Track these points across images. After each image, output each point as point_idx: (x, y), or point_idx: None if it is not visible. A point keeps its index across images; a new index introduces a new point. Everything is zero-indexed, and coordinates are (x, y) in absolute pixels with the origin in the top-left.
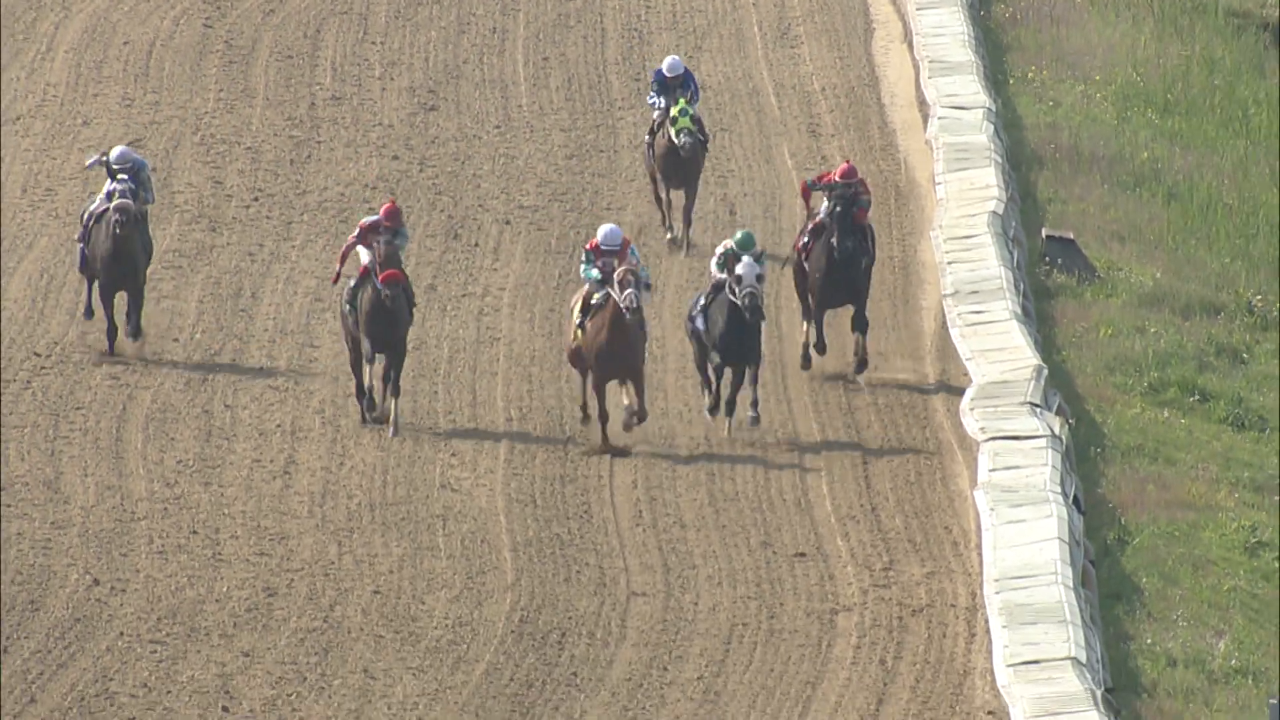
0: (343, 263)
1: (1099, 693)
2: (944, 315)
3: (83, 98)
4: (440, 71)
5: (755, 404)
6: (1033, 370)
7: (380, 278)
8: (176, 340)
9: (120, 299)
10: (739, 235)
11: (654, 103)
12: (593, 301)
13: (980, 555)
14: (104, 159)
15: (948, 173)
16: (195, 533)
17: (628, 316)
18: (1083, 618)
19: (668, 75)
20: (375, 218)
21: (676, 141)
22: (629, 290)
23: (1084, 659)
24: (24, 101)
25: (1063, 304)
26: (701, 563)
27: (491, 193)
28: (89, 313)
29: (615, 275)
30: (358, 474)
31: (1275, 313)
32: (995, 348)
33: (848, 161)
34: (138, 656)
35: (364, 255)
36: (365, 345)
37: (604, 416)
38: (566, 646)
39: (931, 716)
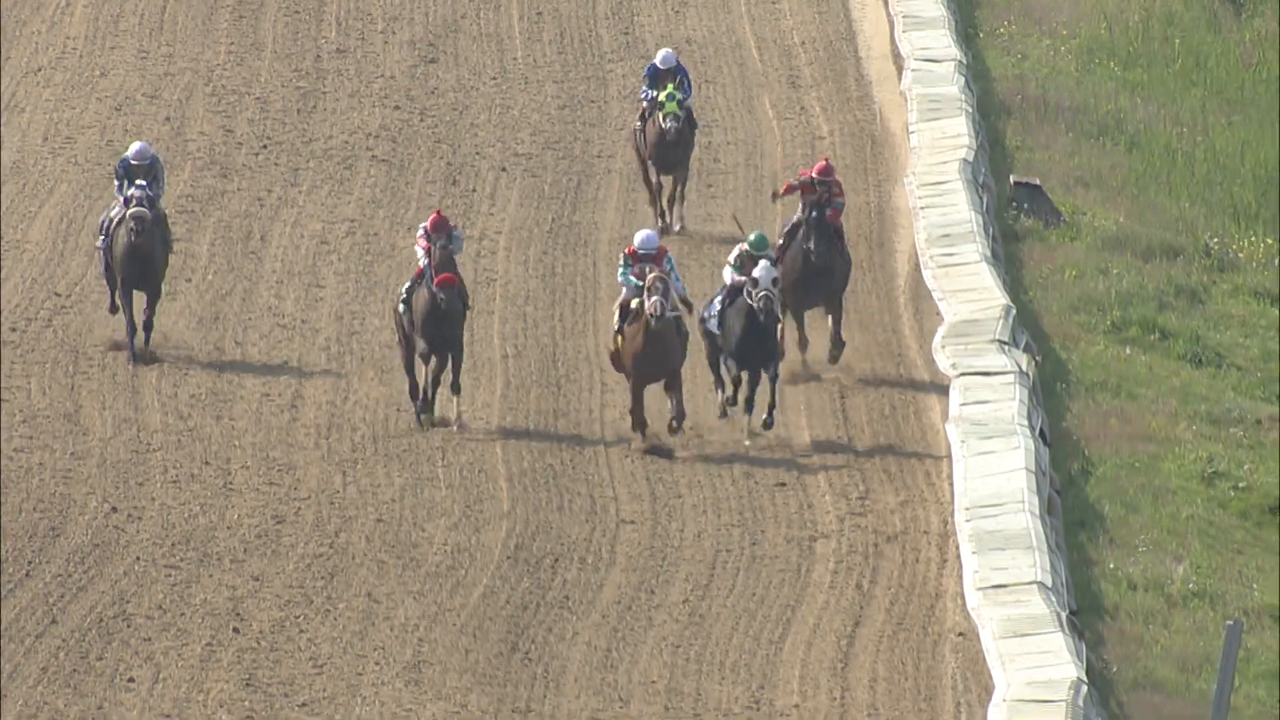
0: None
1: (1063, 615)
2: (917, 258)
3: (100, 50)
4: (439, 26)
5: (772, 408)
6: (1001, 310)
7: (435, 281)
8: (189, 281)
9: (139, 299)
10: (752, 237)
11: (645, 95)
12: (631, 307)
13: (951, 485)
14: (121, 163)
15: (921, 122)
16: (207, 463)
17: (653, 324)
18: (1048, 544)
19: (661, 68)
20: (423, 226)
21: (664, 126)
22: (655, 298)
23: (1049, 583)
24: (44, 54)
25: (1030, 247)
26: (687, 492)
27: (488, 141)
28: (114, 308)
29: (645, 282)
30: (361, 408)
31: (1231, 254)
32: (966, 288)
33: (825, 159)
34: (153, 580)
35: (420, 257)
36: (420, 346)
37: (643, 423)
38: (559, 571)
39: (905, 637)
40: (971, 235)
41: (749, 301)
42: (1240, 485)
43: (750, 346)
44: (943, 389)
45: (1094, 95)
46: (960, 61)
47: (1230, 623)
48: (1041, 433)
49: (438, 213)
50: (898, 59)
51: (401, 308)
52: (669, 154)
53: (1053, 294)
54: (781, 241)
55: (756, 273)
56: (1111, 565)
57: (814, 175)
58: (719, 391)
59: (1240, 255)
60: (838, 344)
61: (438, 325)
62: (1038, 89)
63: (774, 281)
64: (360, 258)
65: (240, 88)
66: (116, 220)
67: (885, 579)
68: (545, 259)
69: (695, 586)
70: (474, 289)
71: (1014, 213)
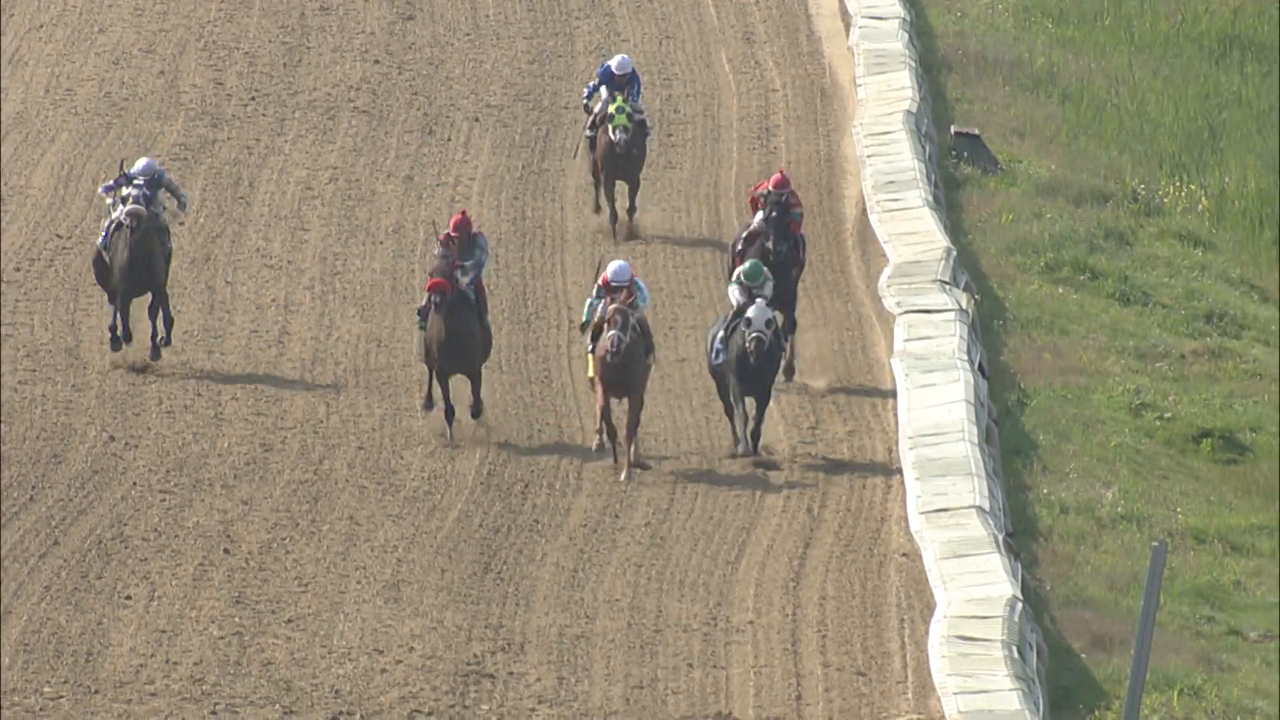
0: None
1: (1000, 537)
2: (864, 203)
3: (99, 8)
4: None
5: (756, 436)
6: (943, 251)
7: (427, 285)
8: (183, 224)
9: (142, 311)
10: (746, 266)
11: (589, 90)
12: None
13: (896, 415)
14: (121, 173)
15: (867, 76)
16: (200, 395)
17: (609, 360)
18: (986, 470)
19: (616, 73)
20: (446, 230)
21: (612, 138)
22: (612, 333)
23: (987, 507)
24: (46, 11)
25: (969, 193)
26: (649, 421)
27: (462, 93)
28: (114, 328)
29: (605, 314)
30: (344, 343)
31: (1157, 200)
32: (909, 231)
33: (781, 171)
34: (149, 505)
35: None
36: (434, 367)
37: (613, 434)
38: (529, 496)
39: (852, 558)
40: (915, 182)
41: (743, 340)
42: (1165, 415)
43: (745, 379)
44: (888, 326)
45: (1029, 51)
46: (904, 19)
47: (1155, 544)
48: (980, 366)
49: (462, 213)
50: (846, 16)
51: (419, 319)
52: (619, 164)
53: (990, 237)
54: (740, 248)
55: (750, 312)
56: (1045, 490)
57: (770, 188)
58: (732, 426)
59: (1165, 201)
60: (786, 333)
61: (451, 340)
62: (977, 45)
63: (767, 323)
64: (343, 202)
65: (230, 43)
66: (116, 223)
67: (834, 504)
68: (516, 204)
69: (656, 510)
70: None
71: (954, 161)
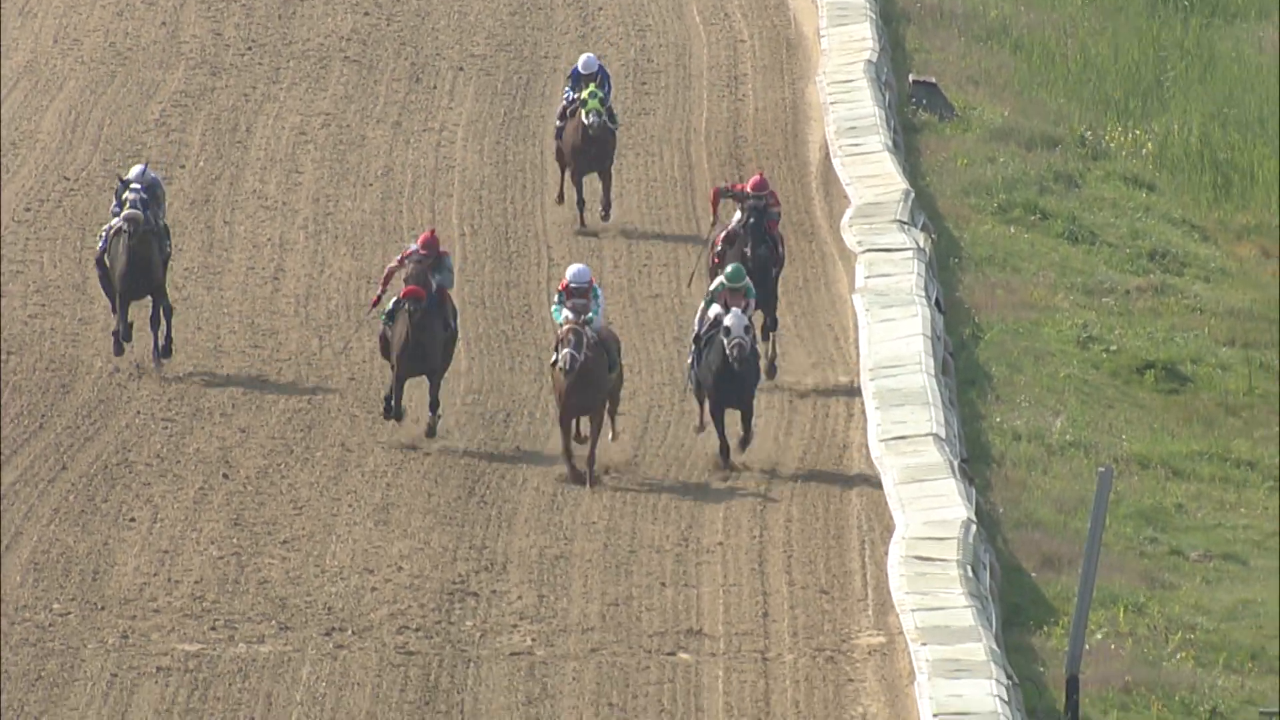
0: (384, 286)
1: (956, 463)
2: (827, 147)
3: None
4: None
5: (746, 441)
6: (901, 193)
7: (403, 293)
8: (183, 167)
9: (142, 321)
10: (729, 270)
11: (568, 96)
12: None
13: (857, 348)
14: (120, 182)
15: (830, 27)
16: (199, 329)
17: (562, 378)
18: (943, 400)
19: (583, 73)
20: (413, 246)
21: (586, 121)
22: (566, 350)
23: (944, 435)
24: None
25: (926, 138)
26: (625, 353)
27: (447, 43)
28: (118, 333)
29: (559, 333)
30: (336, 280)
31: (1103, 144)
32: (870, 174)
33: (760, 173)
34: (152, 432)
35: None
36: (392, 381)
37: (569, 453)
38: (511, 424)
39: (816, 483)
40: (875, 128)
41: (724, 348)
42: (1111, 348)
43: (726, 387)
44: (850, 263)
45: (983, 3)
46: None
47: (1102, 469)
48: (937, 302)
49: (430, 231)
50: None
51: (385, 326)
52: (590, 150)
53: (946, 179)
54: (719, 248)
55: (728, 320)
56: (998, 419)
57: (749, 189)
58: (703, 427)
59: (1111, 145)
60: (768, 332)
61: (415, 344)
62: None
63: (745, 329)
64: (334, 147)
65: None
66: (115, 229)
67: (799, 431)
68: (498, 148)
69: (632, 437)
70: (435, 174)
71: (913, 108)
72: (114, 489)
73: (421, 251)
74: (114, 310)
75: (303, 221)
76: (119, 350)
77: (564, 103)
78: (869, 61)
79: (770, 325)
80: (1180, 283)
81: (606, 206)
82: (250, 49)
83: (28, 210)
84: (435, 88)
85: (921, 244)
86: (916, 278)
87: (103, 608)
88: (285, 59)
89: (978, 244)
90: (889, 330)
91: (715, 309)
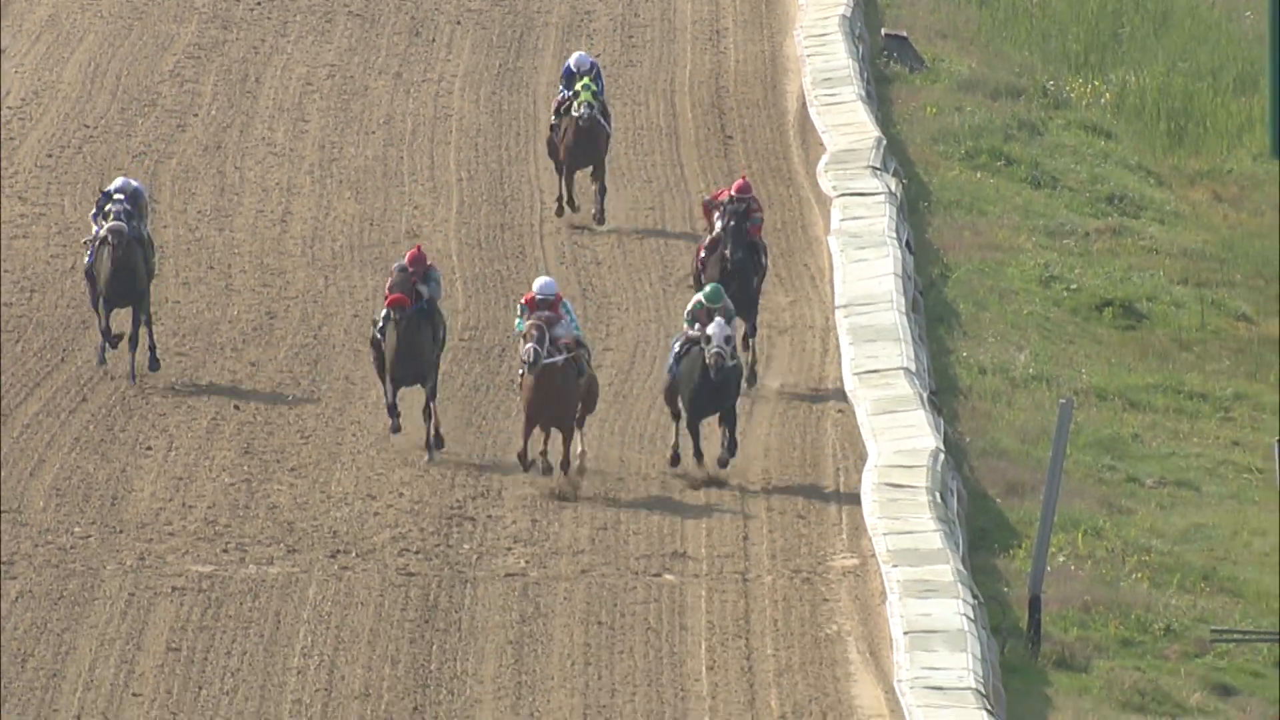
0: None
1: (925, 395)
2: (804, 97)
3: None
4: None
5: (729, 448)
6: (874, 141)
7: (386, 302)
8: (196, 116)
9: (128, 332)
10: (707, 289)
11: (562, 94)
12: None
13: (832, 287)
14: (101, 193)
15: None
16: (212, 268)
17: (525, 371)
18: (913, 336)
19: (574, 71)
20: (401, 263)
21: (576, 113)
22: (529, 345)
23: (914, 369)
24: None
25: (898, 88)
26: (612, 291)
27: None
28: (103, 335)
29: (523, 329)
30: (340, 222)
31: (1065, 94)
32: (844, 123)
33: (743, 177)
34: (167, 365)
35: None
36: (387, 386)
37: (526, 461)
38: (506, 359)
39: (793, 414)
40: (849, 79)
41: (704, 357)
42: (1072, 287)
43: (704, 398)
44: (825, 207)
45: None
46: None
47: (1063, 401)
48: (907, 243)
49: (417, 248)
50: None
51: (378, 336)
52: (584, 142)
53: (916, 128)
54: (703, 255)
55: (710, 329)
56: (965, 353)
57: (732, 193)
58: (674, 427)
59: (1072, 95)
60: (748, 339)
61: (404, 353)
62: None
63: (726, 339)
64: (339, 96)
65: None
66: (100, 239)
67: (777, 365)
68: (493, 98)
69: (620, 371)
70: (434, 123)
71: (884, 60)
72: (131, 419)
73: (410, 269)
74: (99, 324)
75: (309, 167)
76: (102, 360)
77: (558, 100)
78: (843, 16)
79: (750, 332)
80: (1137, 225)
81: (600, 210)
82: (259, 4)
83: (50, 156)
84: (434, 41)
85: (893, 189)
86: (888, 220)
87: (121, 531)
88: (292, 13)
89: (946, 189)
90: (862, 270)
91: (688, 328)
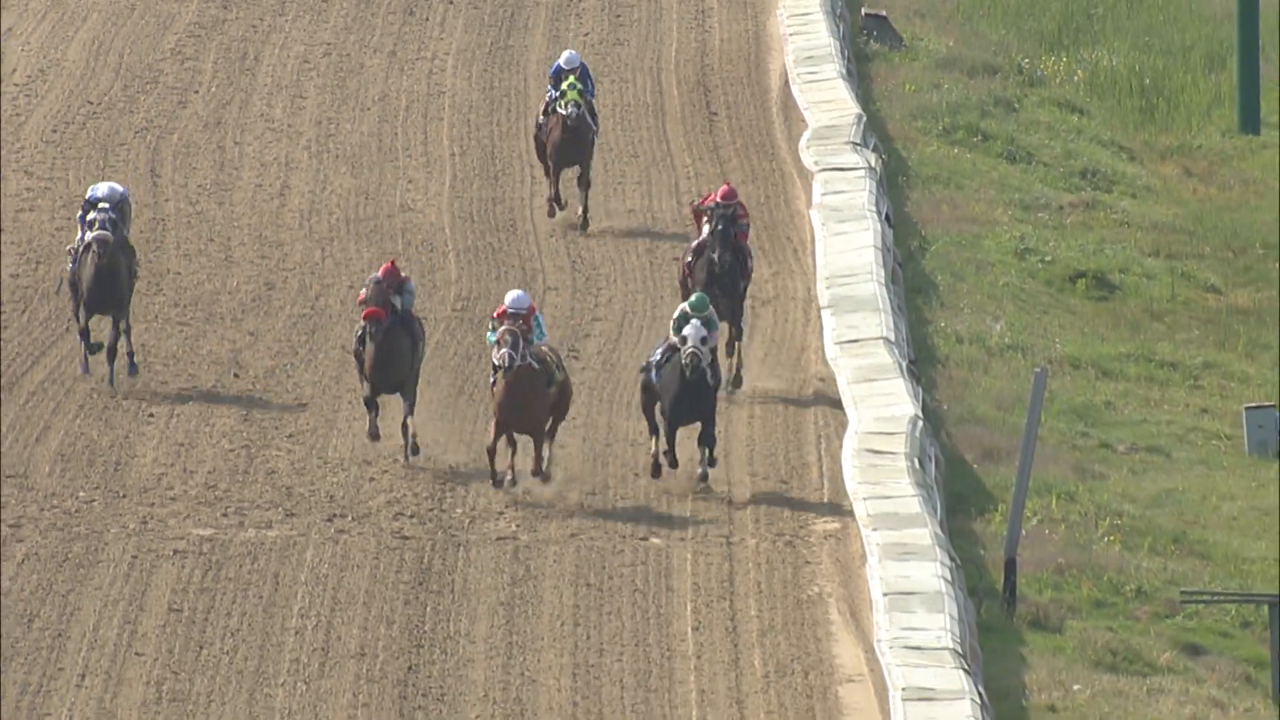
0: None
1: (904, 363)
2: (786, 75)
3: None
4: None
5: (707, 462)
6: (855, 117)
7: (364, 315)
8: (197, 93)
9: (107, 340)
10: (694, 298)
11: (550, 94)
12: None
13: (814, 259)
14: (86, 201)
15: None
16: (212, 240)
17: (501, 375)
18: (892, 306)
19: (565, 69)
20: (376, 275)
21: (563, 111)
22: (503, 350)
23: (893, 338)
24: None
25: (877, 66)
26: (601, 263)
27: None
28: (82, 337)
29: (496, 336)
30: (337, 196)
31: (1039, 73)
32: (826, 100)
33: (728, 184)
34: (168, 335)
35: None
36: (365, 389)
37: (494, 471)
38: None
39: (777, 381)
40: (831, 57)
41: (680, 359)
42: (1046, 259)
43: (683, 405)
44: (807, 181)
45: None
46: None
47: (1037, 370)
48: (887, 217)
49: (391, 262)
50: None
51: (357, 346)
52: (570, 141)
53: (896, 104)
54: (690, 259)
55: (686, 330)
56: (942, 323)
57: (718, 200)
58: (653, 440)
59: (1046, 73)
60: (733, 344)
61: (382, 363)
62: None
63: (703, 340)
64: (335, 74)
65: None
66: (83, 247)
67: (761, 335)
68: (485, 75)
69: (608, 340)
70: (427, 100)
71: (865, 39)
72: (134, 387)
73: (384, 281)
74: (80, 333)
75: (306, 142)
76: (86, 368)
77: (546, 100)
78: None
79: (736, 335)
80: (1109, 199)
81: (584, 216)
82: None
83: (55, 132)
84: (427, 20)
85: (873, 163)
86: (868, 194)
87: (124, 495)
88: None
89: (924, 164)
90: (843, 243)
91: (674, 336)
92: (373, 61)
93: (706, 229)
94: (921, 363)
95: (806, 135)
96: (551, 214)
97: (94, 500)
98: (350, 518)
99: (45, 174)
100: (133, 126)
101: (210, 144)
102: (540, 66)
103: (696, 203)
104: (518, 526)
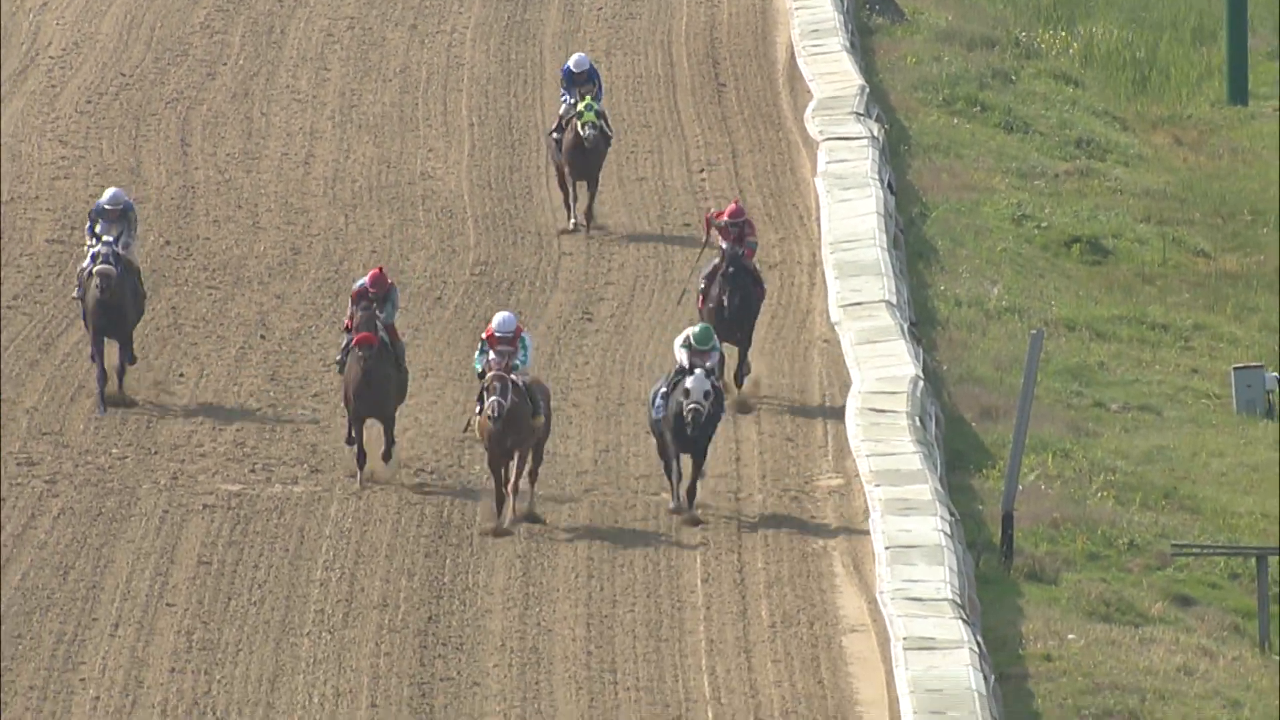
0: (350, 331)
1: (905, 326)
2: (793, 48)
3: None
4: None
5: (691, 494)
6: (858, 88)
7: (354, 341)
8: (225, 65)
9: (111, 353)
10: (697, 330)
11: (565, 98)
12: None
13: (819, 225)
14: (90, 215)
15: None
16: (240, 207)
17: (492, 426)
18: (894, 271)
19: (574, 71)
20: (362, 283)
21: (582, 134)
22: (493, 399)
23: (895, 301)
24: None
25: (880, 39)
26: (614, 229)
27: None
28: (95, 356)
29: (484, 382)
30: (360, 164)
31: (1036, 45)
32: (831, 72)
33: (735, 201)
34: (198, 298)
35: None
36: (350, 410)
37: (500, 499)
38: (514, 292)
39: (782, 344)
40: (835, 30)
41: (680, 409)
42: (1042, 225)
43: (682, 440)
44: (812, 150)
45: None
46: None
47: (1034, 332)
48: (889, 184)
49: (379, 269)
50: None
51: (340, 370)
52: (585, 159)
53: (898, 76)
54: (703, 285)
55: (689, 383)
56: (942, 287)
57: (726, 218)
58: (672, 482)
59: (1042, 46)
60: (743, 368)
61: (366, 389)
62: None
63: (705, 395)
64: (358, 47)
65: None
66: (87, 274)
67: (768, 297)
68: (502, 48)
69: (621, 304)
70: (447, 71)
71: (868, 13)
72: (165, 348)
73: (371, 290)
74: (92, 356)
75: (330, 113)
76: (103, 409)
77: (561, 110)
78: None
79: (744, 370)
80: (1103, 167)
81: (588, 217)
82: None
83: (89, 102)
84: None
85: (875, 133)
86: (871, 163)
87: (156, 452)
88: None
89: (925, 133)
90: (847, 209)
91: (684, 358)
92: (394, 35)
93: (723, 245)
94: (922, 325)
95: (812, 106)
96: (569, 216)
97: (127, 457)
98: (373, 474)
99: (80, 143)
100: (163, 97)
101: (238, 114)
102: (556, 40)
103: (712, 215)
104: (534, 483)
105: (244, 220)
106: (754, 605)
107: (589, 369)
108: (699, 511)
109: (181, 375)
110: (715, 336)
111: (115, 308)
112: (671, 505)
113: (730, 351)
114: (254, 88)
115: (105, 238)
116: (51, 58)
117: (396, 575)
